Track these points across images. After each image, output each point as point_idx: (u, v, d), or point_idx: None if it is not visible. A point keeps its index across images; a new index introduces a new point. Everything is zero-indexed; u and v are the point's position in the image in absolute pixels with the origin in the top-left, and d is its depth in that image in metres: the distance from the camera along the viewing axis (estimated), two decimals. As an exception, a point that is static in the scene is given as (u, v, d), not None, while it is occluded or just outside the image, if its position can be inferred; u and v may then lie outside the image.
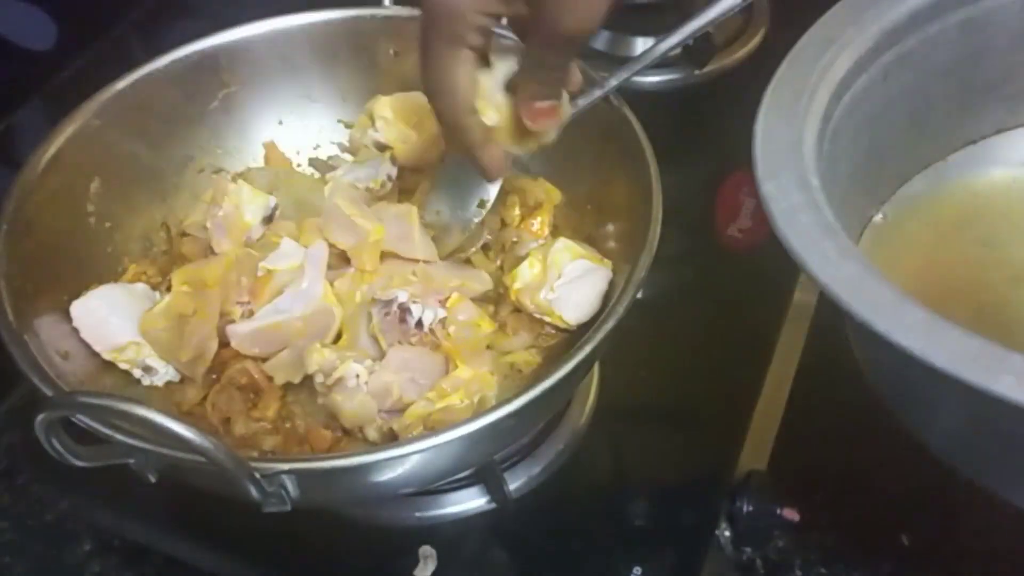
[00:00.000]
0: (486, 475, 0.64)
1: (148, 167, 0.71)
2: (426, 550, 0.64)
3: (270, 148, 0.76)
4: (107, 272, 0.67)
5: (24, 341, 0.55)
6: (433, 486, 0.65)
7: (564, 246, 0.65)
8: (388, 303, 0.63)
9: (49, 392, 0.53)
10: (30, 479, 0.72)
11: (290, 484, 0.50)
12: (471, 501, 0.65)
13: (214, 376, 0.64)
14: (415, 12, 0.71)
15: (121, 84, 0.68)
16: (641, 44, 0.98)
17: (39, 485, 0.71)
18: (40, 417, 0.47)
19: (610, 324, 0.54)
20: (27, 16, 0.72)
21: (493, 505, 0.65)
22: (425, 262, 0.67)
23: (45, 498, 0.71)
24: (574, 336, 0.65)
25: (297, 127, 0.76)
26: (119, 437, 0.49)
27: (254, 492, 0.49)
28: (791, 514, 0.66)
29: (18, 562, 0.68)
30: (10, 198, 0.61)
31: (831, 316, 0.82)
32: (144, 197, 0.71)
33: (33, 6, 0.72)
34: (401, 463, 0.51)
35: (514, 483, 0.66)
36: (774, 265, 0.80)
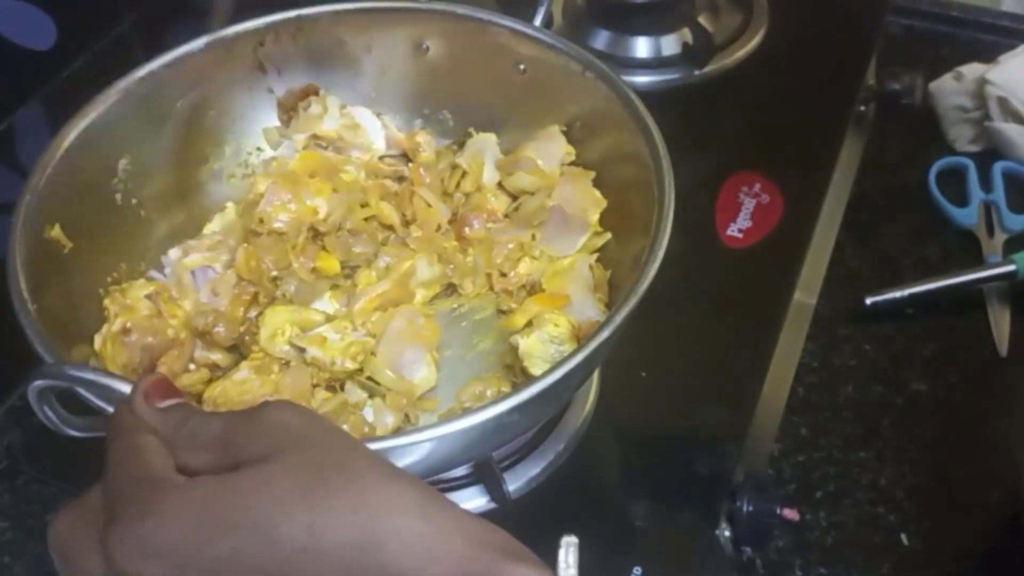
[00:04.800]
0: (485, 475, 0.64)
1: (174, 149, 0.72)
2: (426, 550, 0.64)
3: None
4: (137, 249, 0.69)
5: (30, 310, 0.55)
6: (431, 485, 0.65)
7: None
8: None
9: (50, 359, 0.52)
10: (30, 479, 0.72)
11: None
12: (470, 501, 0.65)
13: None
14: (451, 8, 0.72)
15: (155, 64, 0.69)
16: (641, 44, 0.98)
17: (39, 485, 0.71)
18: (33, 384, 0.47)
19: (606, 333, 0.54)
20: (27, 16, 0.72)
21: (493, 505, 0.65)
22: None
23: (45, 498, 0.71)
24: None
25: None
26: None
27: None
28: (791, 514, 0.66)
29: (18, 562, 0.68)
30: (37, 168, 0.62)
31: (831, 316, 0.82)
32: (171, 177, 0.72)
33: (33, 6, 0.72)
34: (395, 454, 0.51)
35: (514, 483, 0.66)
36: (774, 265, 0.81)
